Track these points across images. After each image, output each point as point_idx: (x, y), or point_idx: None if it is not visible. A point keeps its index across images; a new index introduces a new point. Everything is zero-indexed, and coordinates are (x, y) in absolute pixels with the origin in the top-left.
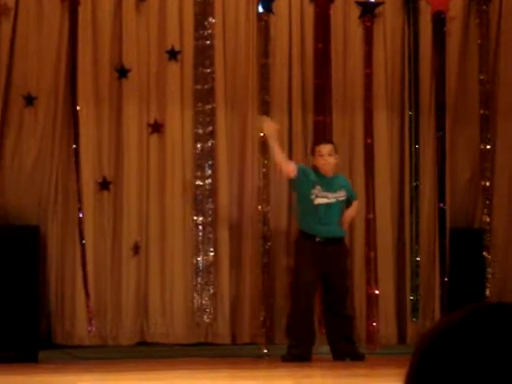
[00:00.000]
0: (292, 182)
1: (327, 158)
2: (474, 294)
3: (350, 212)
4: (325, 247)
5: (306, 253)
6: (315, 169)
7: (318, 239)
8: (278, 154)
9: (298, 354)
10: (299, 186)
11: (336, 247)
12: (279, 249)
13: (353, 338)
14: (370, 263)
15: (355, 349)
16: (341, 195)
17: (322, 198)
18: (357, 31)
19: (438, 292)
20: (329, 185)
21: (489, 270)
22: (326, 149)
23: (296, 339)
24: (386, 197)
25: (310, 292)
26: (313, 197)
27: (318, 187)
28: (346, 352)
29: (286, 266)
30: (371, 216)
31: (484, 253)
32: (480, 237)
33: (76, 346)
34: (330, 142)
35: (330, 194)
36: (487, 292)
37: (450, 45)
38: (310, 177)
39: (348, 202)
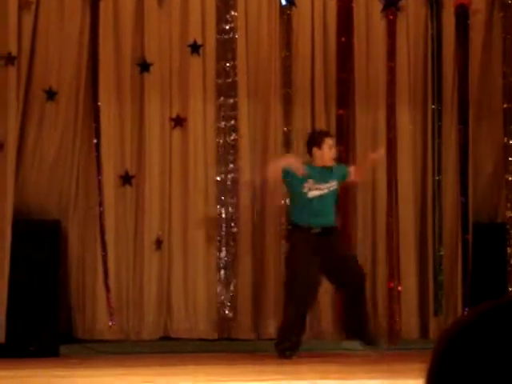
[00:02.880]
0: (283, 181)
1: (334, 150)
2: (496, 289)
3: (372, 156)
4: (320, 237)
5: (303, 245)
6: (313, 160)
7: (313, 231)
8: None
9: (290, 346)
10: (290, 186)
11: (332, 236)
12: None
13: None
14: (393, 258)
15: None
16: (333, 184)
17: (315, 191)
18: (380, 25)
19: (460, 287)
20: (324, 176)
21: (511, 264)
22: (333, 141)
23: (290, 335)
24: (409, 191)
25: (311, 291)
26: (305, 190)
27: (311, 180)
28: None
29: None
30: (394, 211)
31: (507, 247)
32: (503, 231)
33: (97, 341)
34: (332, 134)
35: (322, 186)
36: (510, 287)
37: (474, 38)
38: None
39: (344, 178)
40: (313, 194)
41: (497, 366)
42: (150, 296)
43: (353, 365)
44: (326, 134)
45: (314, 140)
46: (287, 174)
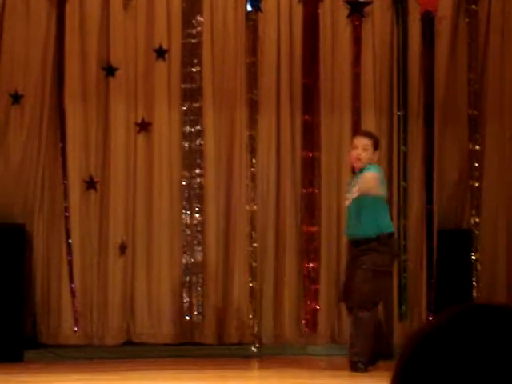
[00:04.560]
0: None
1: (360, 151)
2: (461, 295)
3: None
4: (349, 249)
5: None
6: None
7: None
8: None
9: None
10: None
11: (356, 250)
12: (267, 248)
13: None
14: None
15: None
16: (354, 193)
17: (346, 201)
18: (345, 30)
19: (425, 293)
20: (351, 183)
21: (476, 271)
22: (360, 142)
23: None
24: None
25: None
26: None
27: (347, 189)
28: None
29: (274, 264)
30: None
31: (472, 254)
32: (468, 238)
33: (62, 346)
34: (367, 135)
35: (348, 195)
36: (474, 293)
37: (439, 44)
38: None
39: None
40: (345, 204)
41: (461, 372)
42: (114, 301)
43: (318, 369)
44: (356, 132)
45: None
46: None
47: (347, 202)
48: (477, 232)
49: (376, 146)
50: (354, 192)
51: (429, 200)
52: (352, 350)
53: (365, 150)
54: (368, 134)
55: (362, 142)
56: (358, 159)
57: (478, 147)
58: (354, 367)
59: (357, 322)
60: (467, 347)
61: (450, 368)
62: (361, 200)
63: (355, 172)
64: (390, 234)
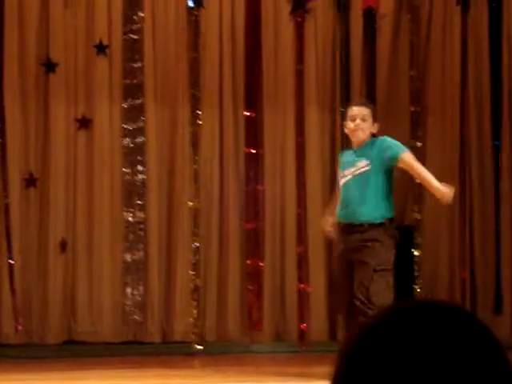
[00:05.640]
0: None
1: (359, 122)
2: (403, 291)
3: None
4: (345, 235)
5: (337, 242)
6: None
7: (340, 225)
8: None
9: None
10: None
11: (357, 235)
12: (210, 245)
13: None
14: (302, 260)
15: None
16: (359, 167)
17: (342, 178)
18: (288, 27)
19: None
20: (353, 158)
21: (418, 266)
22: (359, 111)
23: None
24: (318, 193)
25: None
26: (339, 179)
27: (343, 165)
28: None
29: (217, 262)
30: (303, 215)
31: (413, 250)
32: (410, 234)
33: (2, 345)
34: (364, 104)
35: (346, 171)
36: (417, 289)
37: (381, 41)
38: (341, 158)
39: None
40: (342, 181)
41: (402, 367)
42: (54, 299)
43: (262, 367)
44: (350, 102)
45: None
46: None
47: (344, 180)
48: (418, 228)
49: (375, 117)
50: (359, 167)
51: None
52: None
53: (364, 120)
54: (365, 103)
55: (362, 112)
56: (360, 129)
57: (419, 144)
58: None
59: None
60: (403, 345)
61: (387, 365)
62: (368, 174)
63: (352, 147)
64: (392, 220)
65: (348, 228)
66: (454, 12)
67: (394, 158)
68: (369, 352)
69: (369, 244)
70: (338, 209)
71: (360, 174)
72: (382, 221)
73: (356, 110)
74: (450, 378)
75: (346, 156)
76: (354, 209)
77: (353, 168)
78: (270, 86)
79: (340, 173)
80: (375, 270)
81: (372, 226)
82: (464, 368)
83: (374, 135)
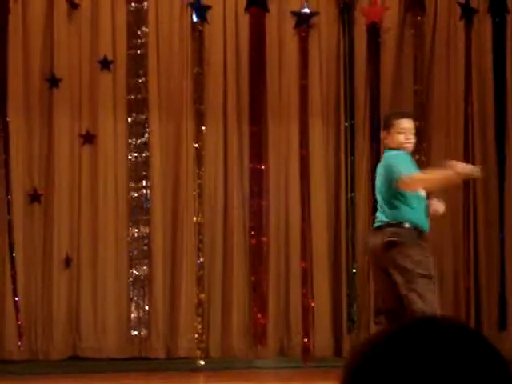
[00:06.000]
0: None
1: (409, 135)
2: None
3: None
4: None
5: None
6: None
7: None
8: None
9: None
10: None
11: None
12: (215, 260)
13: None
14: (307, 275)
15: None
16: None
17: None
18: (292, 41)
19: (373, 304)
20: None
21: None
22: (410, 124)
23: None
24: (322, 208)
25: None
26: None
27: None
28: None
29: (221, 277)
30: (307, 228)
31: None
32: None
33: (5, 361)
34: (413, 117)
35: None
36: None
37: (385, 56)
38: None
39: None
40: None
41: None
42: (58, 315)
43: (266, 383)
44: (401, 114)
45: (386, 123)
46: None
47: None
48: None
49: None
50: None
51: (375, 210)
52: None
53: (412, 133)
54: (413, 117)
55: (412, 124)
56: (411, 144)
57: (423, 158)
58: None
59: None
60: (409, 363)
61: (392, 381)
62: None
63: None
64: None
65: (423, 236)
66: (457, 26)
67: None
68: (374, 370)
69: None
70: (420, 217)
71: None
72: None
73: (408, 123)
74: None
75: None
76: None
77: None
78: (274, 100)
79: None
80: None
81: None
82: None
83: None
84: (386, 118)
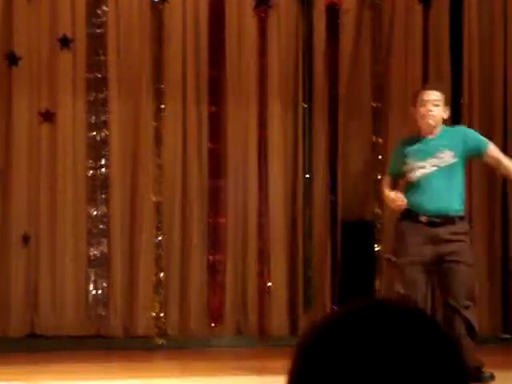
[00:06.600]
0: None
1: (431, 107)
2: (365, 286)
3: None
4: (430, 228)
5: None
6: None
7: (422, 218)
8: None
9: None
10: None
11: (441, 231)
12: (173, 240)
13: None
14: (263, 255)
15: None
16: (442, 159)
17: (419, 169)
18: (251, 22)
19: (329, 284)
20: (432, 148)
21: (379, 262)
22: (430, 96)
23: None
24: (280, 188)
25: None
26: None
27: (414, 155)
28: None
29: (180, 256)
30: (264, 208)
31: (375, 244)
32: (371, 228)
33: None
34: (437, 87)
35: (424, 162)
36: (377, 284)
37: (344, 37)
38: (402, 150)
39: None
40: (418, 172)
41: (359, 365)
42: (16, 293)
43: (223, 362)
44: (423, 85)
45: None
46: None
47: (423, 171)
48: (379, 224)
49: (447, 100)
50: (447, 156)
51: (333, 191)
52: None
53: (435, 105)
54: (438, 87)
55: (433, 95)
56: (431, 116)
57: (381, 139)
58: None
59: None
60: (359, 344)
61: (342, 364)
62: (455, 166)
63: (420, 136)
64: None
65: (436, 220)
66: (415, 9)
67: (483, 151)
68: (325, 351)
69: (461, 237)
70: (421, 201)
71: (448, 166)
72: (464, 215)
73: (427, 95)
74: (404, 380)
75: (416, 145)
76: (445, 201)
77: (434, 159)
78: (233, 80)
79: (409, 163)
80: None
81: (460, 219)
82: (419, 368)
83: (444, 120)
84: (413, 94)
